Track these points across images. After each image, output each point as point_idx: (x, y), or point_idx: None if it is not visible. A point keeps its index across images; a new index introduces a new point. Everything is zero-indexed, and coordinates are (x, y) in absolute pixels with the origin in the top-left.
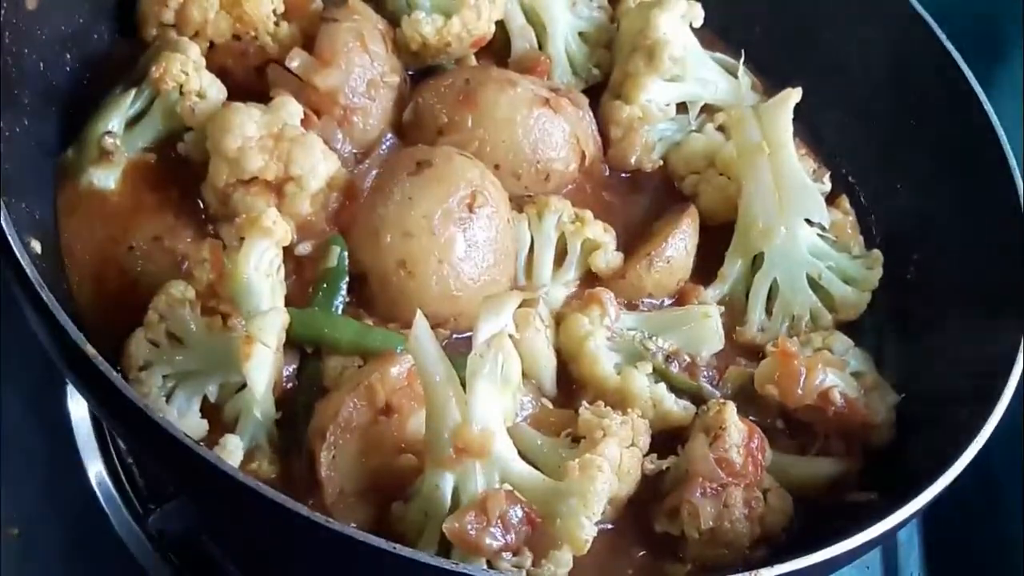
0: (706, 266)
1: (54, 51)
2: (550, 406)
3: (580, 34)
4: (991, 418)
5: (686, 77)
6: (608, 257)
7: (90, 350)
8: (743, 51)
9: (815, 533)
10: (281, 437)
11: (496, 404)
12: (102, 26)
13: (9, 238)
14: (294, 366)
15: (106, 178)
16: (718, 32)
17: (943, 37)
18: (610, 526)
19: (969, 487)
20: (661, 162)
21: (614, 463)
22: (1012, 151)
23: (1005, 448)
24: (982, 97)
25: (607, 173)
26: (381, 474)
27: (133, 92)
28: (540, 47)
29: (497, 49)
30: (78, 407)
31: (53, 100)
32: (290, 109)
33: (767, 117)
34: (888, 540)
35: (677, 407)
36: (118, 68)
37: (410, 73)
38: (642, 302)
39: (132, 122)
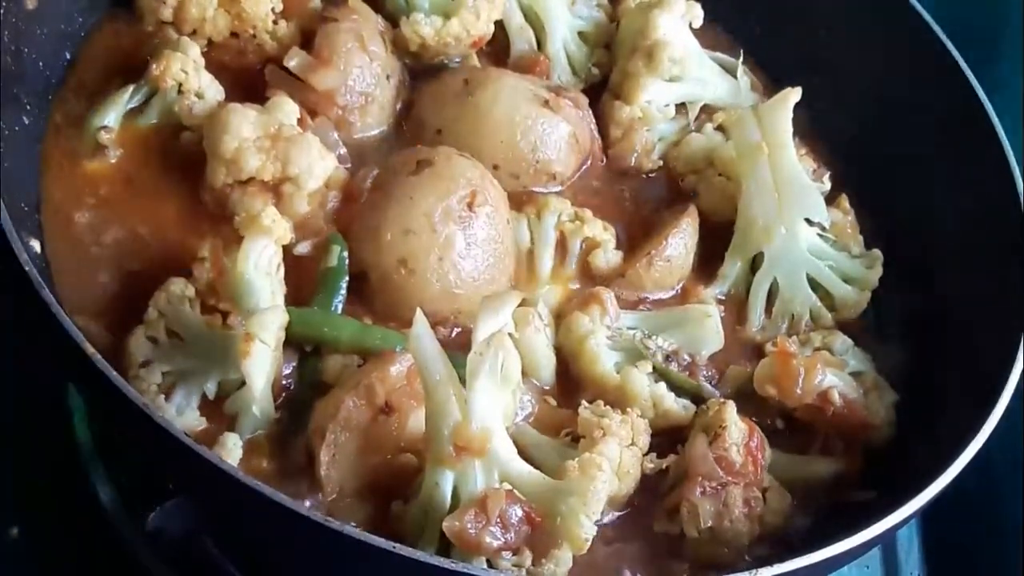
0: (706, 266)
1: (53, 49)
2: (551, 404)
3: (579, 34)
4: (991, 418)
5: (686, 77)
6: (608, 256)
7: (89, 349)
8: (742, 51)
9: (815, 533)
10: (280, 436)
11: (496, 403)
12: (100, 23)
13: (9, 238)
14: (293, 365)
15: (100, 172)
16: (717, 32)
17: (943, 37)
18: (610, 522)
19: (969, 487)
20: (661, 162)
21: (614, 462)
22: (1012, 150)
23: (1005, 448)
24: (982, 96)
25: (607, 173)
26: (381, 473)
27: (131, 88)
28: (539, 47)
29: (497, 49)
30: (77, 406)
31: (52, 98)
32: (287, 109)
33: (767, 117)
34: (888, 540)
35: (677, 406)
36: (116, 64)
37: (409, 73)
38: (642, 301)
39: (129, 118)
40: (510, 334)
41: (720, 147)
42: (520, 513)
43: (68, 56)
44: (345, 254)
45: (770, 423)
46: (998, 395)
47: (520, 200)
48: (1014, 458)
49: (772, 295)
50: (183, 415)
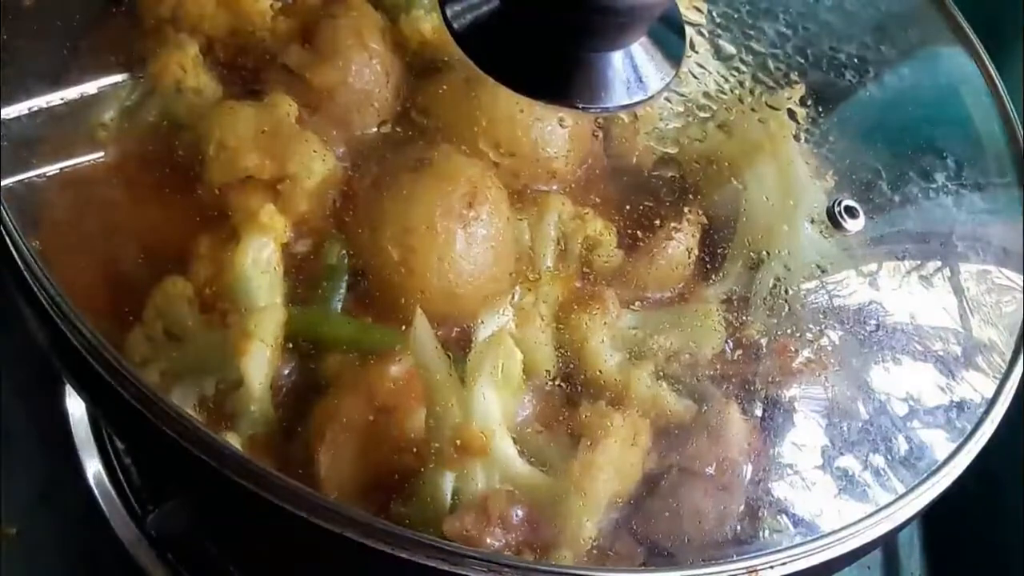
0: (707, 265)
1: (51, 48)
2: (552, 404)
3: None
4: (991, 418)
5: (687, 76)
6: (609, 255)
7: (87, 349)
8: (743, 49)
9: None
10: (279, 436)
11: (496, 403)
12: (98, 21)
13: (7, 237)
14: (292, 364)
15: (97, 170)
16: (718, 31)
17: None
18: (609, 524)
19: (969, 487)
20: (662, 161)
21: (614, 463)
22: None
23: (1005, 448)
24: None
25: (608, 171)
26: (381, 474)
27: (129, 86)
28: None
29: None
30: (77, 407)
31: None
32: (286, 107)
33: (768, 115)
34: (888, 540)
35: (678, 406)
36: (113, 62)
37: (409, 70)
38: (643, 300)
39: (126, 115)
40: (511, 333)
41: (721, 147)
42: (521, 514)
43: (65, 54)
44: (344, 253)
45: None
46: (998, 395)
47: (520, 199)
48: (1014, 458)
49: (773, 295)
50: None
